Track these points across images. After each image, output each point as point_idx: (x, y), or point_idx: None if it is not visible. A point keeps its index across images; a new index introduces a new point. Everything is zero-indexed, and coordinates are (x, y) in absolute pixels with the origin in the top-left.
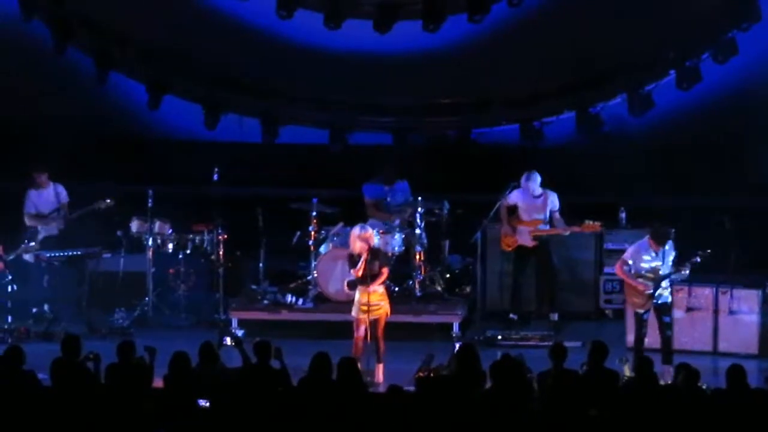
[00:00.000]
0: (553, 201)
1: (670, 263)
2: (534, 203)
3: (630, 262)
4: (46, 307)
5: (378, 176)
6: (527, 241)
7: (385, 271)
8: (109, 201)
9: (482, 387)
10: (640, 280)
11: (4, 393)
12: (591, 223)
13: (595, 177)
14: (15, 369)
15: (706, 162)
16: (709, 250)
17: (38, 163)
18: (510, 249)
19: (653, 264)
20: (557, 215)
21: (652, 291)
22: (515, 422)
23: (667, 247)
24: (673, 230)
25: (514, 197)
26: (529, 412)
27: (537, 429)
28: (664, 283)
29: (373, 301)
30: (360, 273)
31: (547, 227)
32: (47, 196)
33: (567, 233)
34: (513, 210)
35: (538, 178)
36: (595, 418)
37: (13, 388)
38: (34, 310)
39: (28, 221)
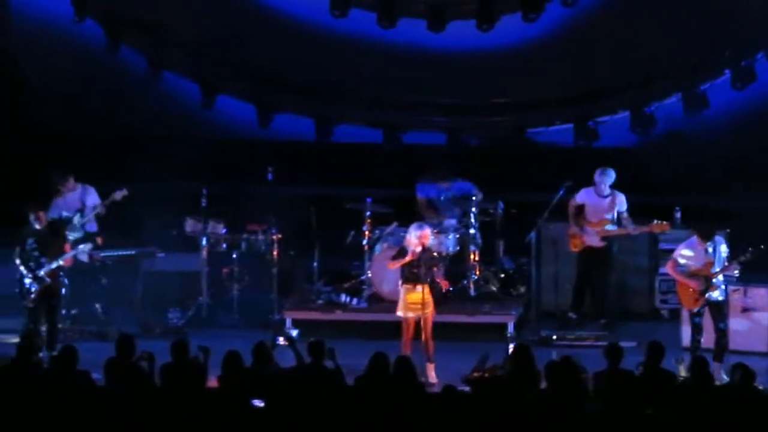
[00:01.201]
0: (621, 201)
1: (722, 260)
2: (602, 203)
3: (681, 261)
4: (98, 306)
5: (432, 175)
6: (595, 241)
7: (446, 283)
8: (124, 191)
9: (537, 387)
10: (692, 278)
11: (58, 392)
12: (660, 223)
13: (649, 176)
14: (69, 369)
15: (760, 161)
16: (762, 246)
17: (60, 169)
18: (577, 249)
19: (704, 261)
20: (625, 215)
21: (703, 288)
22: (570, 423)
23: (718, 246)
24: (728, 230)
25: (582, 197)
26: (584, 413)
27: (592, 430)
28: (716, 281)
29: (425, 300)
30: (396, 266)
31: (615, 228)
32: (72, 199)
33: (636, 233)
34: (580, 210)
35: (613, 175)
36: (651, 419)
37: (67, 388)
38: (85, 309)
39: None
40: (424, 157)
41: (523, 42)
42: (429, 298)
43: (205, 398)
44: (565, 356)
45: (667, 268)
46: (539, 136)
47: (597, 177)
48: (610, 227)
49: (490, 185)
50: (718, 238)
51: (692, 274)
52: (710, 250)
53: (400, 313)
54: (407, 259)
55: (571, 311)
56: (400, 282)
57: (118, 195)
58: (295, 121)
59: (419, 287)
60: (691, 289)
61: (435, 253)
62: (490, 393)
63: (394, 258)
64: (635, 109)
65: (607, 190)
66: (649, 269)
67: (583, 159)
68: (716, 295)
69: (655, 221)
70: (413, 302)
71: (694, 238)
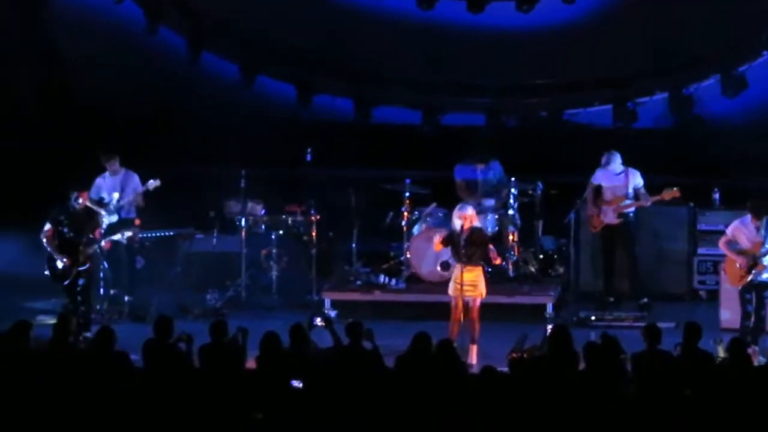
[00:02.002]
0: (636, 178)
1: None
2: (616, 181)
3: (732, 238)
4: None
5: (470, 157)
6: (612, 219)
7: (499, 259)
8: (157, 182)
9: (575, 369)
10: (741, 255)
11: (97, 374)
12: (671, 190)
13: (687, 158)
14: (107, 350)
15: None
16: None
17: (107, 149)
18: (596, 231)
19: (753, 240)
20: (643, 191)
21: (749, 266)
22: (609, 404)
23: (767, 224)
24: None
25: (598, 178)
26: (623, 394)
27: (631, 410)
28: (765, 259)
29: (467, 281)
30: (440, 246)
31: (630, 202)
32: (114, 182)
33: (648, 203)
34: (598, 191)
35: (618, 157)
36: (690, 400)
37: (105, 369)
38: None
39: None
40: (462, 139)
41: (561, 23)
42: (478, 279)
43: (244, 379)
44: (604, 334)
45: (720, 244)
46: (577, 117)
47: (604, 162)
48: (625, 202)
49: (528, 166)
50: None
51: (741, 252)
52: (762, 230)
53: (450, 292)
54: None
55: (605, 294)
56: (439, 263)
57: (151, 185)
58: (334, 102)
59: (468, 268)
60: (737, 266)
61: (482, 233)
62: (528, 374)
63: (444, 239)
64: (674, 91)
65: (619, 168)
66: (688, 250)
67: (622, 140)
68: (765, 276)
69: (666, 189)
70: (462, 283)
71: (748, 216)
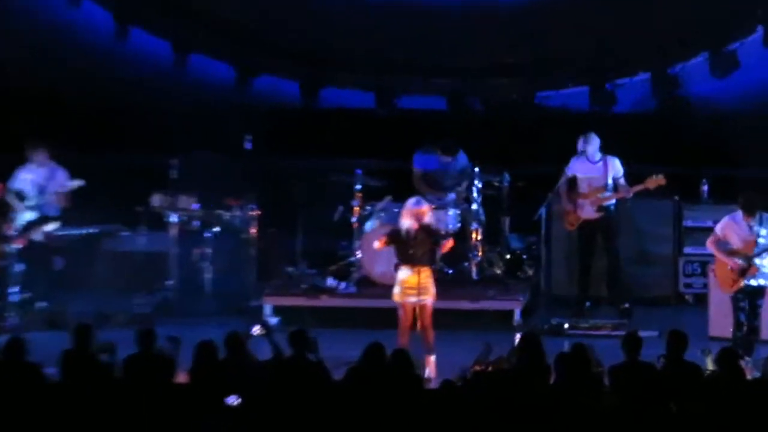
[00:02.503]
0: (615, 166)
1: (764, 239)
2: (594, 171)
3: (722, 236)
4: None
5: (431, 145)
6: (590, 213)
7: (450, 242)
8: (81, 182)
9: (546, 382)
10: (732, 257)
11: (5, 390)
12: (655, 177)
13: (672, 145)
14: (16, 362)
15: None
16: None
17: (33, 138)
18: (573, 228)
19: (747, 239)
20: (622, 182)
21: (742, 270)
22: (584, 421)
23: (765, 224)
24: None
25: (573, 167)
26: (600, 410)
27: (609, 428)
28: (759, 261)
29: (415, 284)
30: (381, 245)
31: (609, 194)
32: (37, 176)
33: (630, 195)
34: (573, 183)
35: (596, 141)
36: (675, 417)
37: (14, 384)
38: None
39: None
40: (421, 125)
41: None
42: (428, 282)
43: (174, 394)
44: (578, 344)
45: (708, 243)
46: (550, 100)
47: (581, 146)
48: (604, 194)
49: (494, 155)
50: (766, 215)
51: (732, 253)
52: (755, 227)
53: (396, 298)
54: (380, 240)
55: (580, 299)
56: (393, 265)
57: (74, 184)
58: (277, 83)
59: (416, 270)
60: (729, 269)
61: (436, 230)
62: (493, 388)
63: (387, 236)
64: (657, 71)
65: (597, 155)
66: (673, 249)
67: (599, 126)
68: (758, 281)
69: (650, 177)
70: (410, 286)
71: (739, 212)
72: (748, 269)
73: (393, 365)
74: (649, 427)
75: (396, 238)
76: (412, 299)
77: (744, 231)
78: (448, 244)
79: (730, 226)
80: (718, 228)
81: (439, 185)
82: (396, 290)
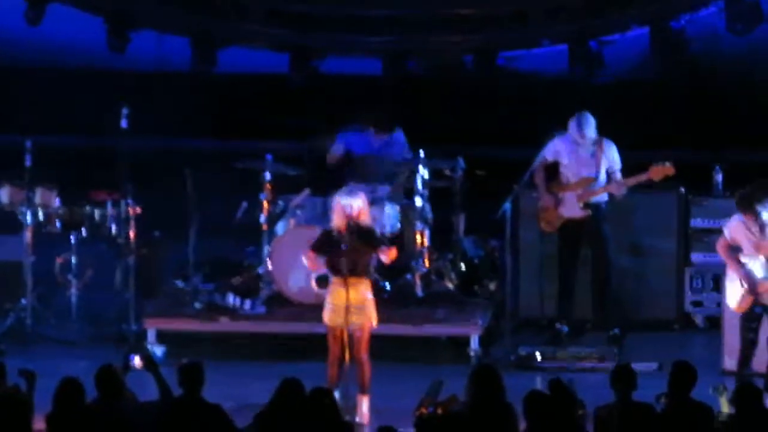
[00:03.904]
0: (611, 153)
1: None
2: (583, 156)
3: (732, 240)
4: None
5: (360, 121)
6: (575, 211)
7: (393, 250)
8: None
9: (512, 429)
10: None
11: None
12: (661, 165)
13: (677, 122)
14: None
15: None
16: None
17: None
18: (552, 228)
19: (760, 242)
20: (618, 176)
21: (750, 285)
22: None
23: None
24: None
25: (554, 150)
26: None
27: None
28: None
29: (352, 302)
30: (312, 261)
31: (601, 185)
32: None
33: (623, 191)
34: (554, 171)
35: (593, 123)
36: None
37: None
38: None
39: None
40: (349, 94)
41: None
42: (366, 300)
43: None
44: (555, 380)
45: (718, 248)
46: (518, 62)
47: (572, 129)
48: (594, 186)
49: (445, 134)
50: None
51: (743, 262)
52: (759, 227)
53: (324, 320)
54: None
55: (558, 321)
56: (313, 277)
57: None
58: (162, 41)
59: (350, 284)
60: (738, 281)
61: (375, 232)
62: None
63: (315, 247)
64: (656, 24)
65: (592, 138)
66: (677, 257)
67: (581, 95)
68: None
69: (654, 165)
70: (342, 305)
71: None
72: (759, 284)
73: (313, 408)
74: None
75: (327, 243)
76: (348, 323)
77: (754, 233)
78: (392, 253)
79: (739, 227)
80: (726, 229)
81: (370, 174)
82: (326, 310)
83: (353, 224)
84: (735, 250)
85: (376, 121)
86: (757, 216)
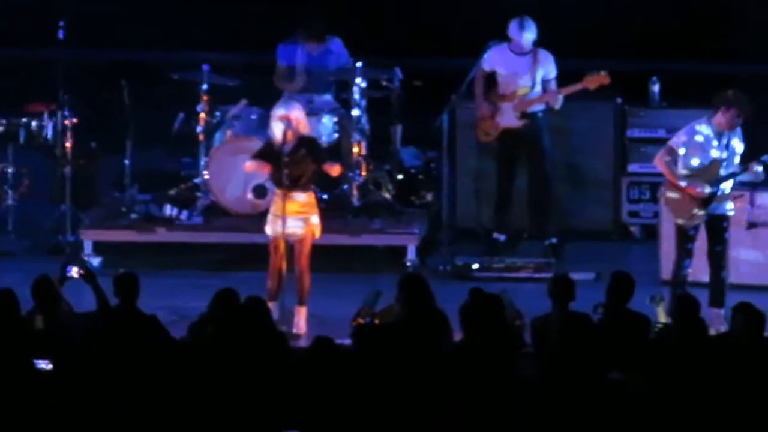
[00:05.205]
0: (548, 63)
1: (737, 157)
2: (519, 65)
3: (681, 151)
4: None
5: (298, 30)
6: (512, 121)
7: (338, 167)
8: None
9: (448, 338)
10: (694, 179)
11: None
12: (596, 74)
13: (613, 30)
14: None
15: None
16: None
17: None
18: (490, 139)
19: (713, 156)
20: (552, 85)
21: (708, 194)
22: (499, 391)
23: (730, 139)
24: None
25: (492, 59)
26: (519, 376)
27: (531, 399)
28: (727, 186)
29: (293, 213)
30: (254, 166)
31: (536, 95)
32: None
33: (558, 101)
34: (491, 80)
35: (534, 28)
36: (616, 385)
37: None
38: None
39: None
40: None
41: None
42: (309, 210)
43: None
44: (477, 290)
45: (656, 161)
46: None
47: (513, 31)
48: (530, 95)
49: (382, 43)
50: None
51: (692, 173)
52: (723, 141)
53: (267, 231)
54: (250, 163)
55: (496, 231)
56: (250, 188)
57: None
58: None
59: (294, 195)
60: (687, 195)
61: (320, 146)
62: (380, 347)
63: (257, 156)
64: None
65: (528, 45)
66: (614, 167)
67: (518, 3)
68: (723, 205)
69: (591, 73)
70: (283, 216)
71: (703, 120)
72: (713, 197)
73: (247, 318)
74: (579, 398)
75: (269, 154)
76: (288, 234)
77: (708, 145)
78: (336, 168)
79: (693, 138)
80: (675, 139)
81: (307, 83)
82: (268, 221)
83: (301, 137)
84: (676, 159)
85: (308, 28)
86: (732, 127)
